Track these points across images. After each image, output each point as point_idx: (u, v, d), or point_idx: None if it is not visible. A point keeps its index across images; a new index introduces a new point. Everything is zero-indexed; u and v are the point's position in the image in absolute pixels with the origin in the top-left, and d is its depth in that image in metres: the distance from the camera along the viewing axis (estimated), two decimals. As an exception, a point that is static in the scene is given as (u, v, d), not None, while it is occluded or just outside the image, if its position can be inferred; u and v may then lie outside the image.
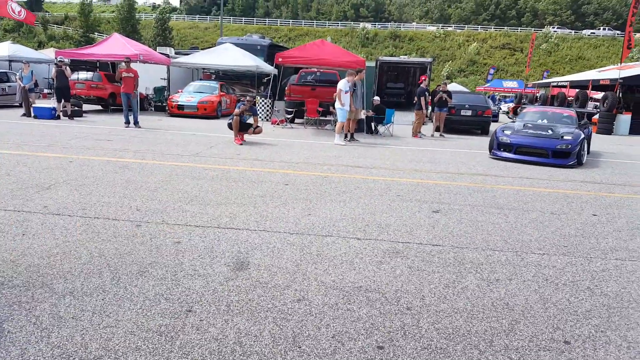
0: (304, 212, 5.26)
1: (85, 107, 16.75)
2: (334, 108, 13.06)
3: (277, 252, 4.03)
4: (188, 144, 10.20)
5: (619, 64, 25.14)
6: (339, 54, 14.96)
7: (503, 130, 10.54)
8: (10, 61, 21.74)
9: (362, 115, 13.93)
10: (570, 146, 9.63)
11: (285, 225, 4.78)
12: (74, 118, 14.51)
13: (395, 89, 26.83)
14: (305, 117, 15.52)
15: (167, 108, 17.73)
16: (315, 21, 76.67)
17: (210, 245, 4.14)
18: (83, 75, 18.13)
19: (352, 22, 73.69)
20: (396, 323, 2.93)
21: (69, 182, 6.10)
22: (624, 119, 20.88)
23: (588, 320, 3.08)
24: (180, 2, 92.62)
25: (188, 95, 17.39)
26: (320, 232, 4.62)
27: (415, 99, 14.52)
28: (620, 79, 21.45)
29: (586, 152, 10.51)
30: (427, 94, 14.61)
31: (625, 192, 7.49)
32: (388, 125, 14.50)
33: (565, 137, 9.86)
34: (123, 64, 13.82)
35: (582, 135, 10.04)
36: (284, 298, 3.21)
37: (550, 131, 10.22)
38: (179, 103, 17.03)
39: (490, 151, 10.68)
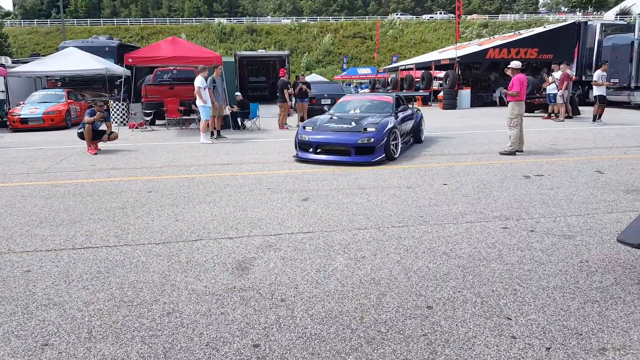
0: (171, 219, 4.95)
1: None
2: (196, 106, 12.56)
3: (142, 266, 3.72)
4: (35, 160, 9.05)
5: (455, 44, 27.95)
6: (193, 51, 14.38)
7: (304, 127, 8.59)
8: None
9: (227, 111, 13.62)
10: (373, 140, 7.77)
11: (149, 235, 4.44)
12: None
13: (257, 83, 26.76)
14: (166, 118, 14.71)
15: (8, 123, 15.56)
16: (167, 18, 73.04)
17: (65, 269, 3.68)
18: None
19: (206, 18, 71.60)
20: (271, 317, 2.87)
21: None
22: (465, 94, 23.25)
23: (446, 283, 3.31)
24: (14, 5, 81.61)
25: (31, 107, 15.44)
26: (189, 237, 4.38)
27: (278, 92, 14.61)
28: (458, 57, 23.85)
29: (408, 142, 9.53)
30: (288, 85, 14.75)
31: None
32: (254, 119, 14.38)
33: (368, 130, 7.95)
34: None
35: (391, 125, 8.16)
36: (152, 314, 2.96)
37: (353, 123, 8.28)
38: (21, 116, 15.05)
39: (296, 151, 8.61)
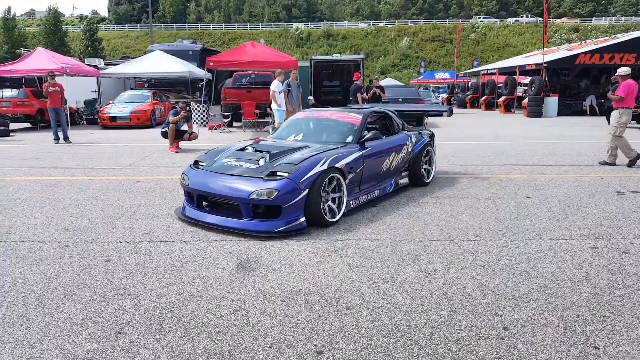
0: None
1: (13, 125, 15.69)
2: (271, 110, 12.87)
3: (213, 262, 3.83)
4: (121, 156, 9.70)
5: (543, 49, 26.51)
6: (270, 56, 14.78)
7: (197, 162, 5.46)
8: None
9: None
10: (277, 194, 4.45)
11: (217, 233, 4.57)
12: (0, 138, 13.54)
13: (331, 87, 26.95)
14: (243, 120, 15.22)
15: (99, 121, 16.89)
16: (248, 24, 75.82)
17: (142, 261, 3.89)
18: (8, 92, 17.00)
19: (284, 23, 73.47)
20: (335, 325, 2.83)
21: (-14, 208, 5.60)
22: (552, 101, 21.98)
23: (526, 303, 3.09)
24: (109, 11, 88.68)
25: (120, 106, 16.64)
26: (258, 236, 4.45)
27: (351, 96, 14.62)
28: (545, 63, 22.60)
29: (393, 185, 6.12)
30: (362, 90, 14.72)
31: (551, 170, 7.79)
32: (326, 123, 14.42)
33: (279, 174, 4.66)
34: (48, 78, 12.99)
35: (326, 165, 4.82)
36: (219, 311, 3.03)
37: (262, 161, 5.00)
38: (110, 114, 16.27)
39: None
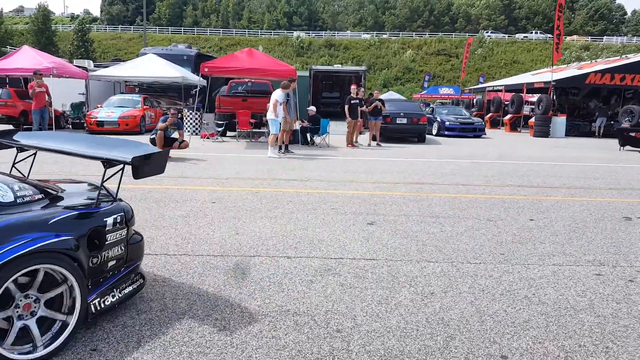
0: (231, 232, 5.06)
1: (-7, 127, 15.66)
2: (266, 119, 12.93)
3: (199, 278, 3.81)
4: (107, 163, 9.67)
5: (552, 66, 26.80)
6: (268, 63, 14.89)
7: None
8: None
9: (297, 125, 13.90)
10: None
11: (208, 247, 4.56)
12: (-22, 139, 13.49)
13: (330, 99, 27.13)
14: (237, 130, 15.26)
15: (85, 125, 16.88)
16: (247, 30, 76.44)
17: (123, 275, 3.85)
18: (-10, 92, 16.97)
19: (285, 31, 74.11)
20: (325, 348, 2.81)
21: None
22: (560, 121, 22.16)
23: (526, 331, 3.08)
24: (101, 11, 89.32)
25: (108, 111, 16.65)
26: (247, 252, 4.45)
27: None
28: (553, 81, 22.82)
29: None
30: (359, 102, 14.79)
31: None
32: (324, 135, 14.54)
33: None
34: (34, 78, 13.00)
35: None
36: (202, 330, 3.00)
37: None
38: (98, 119, 16.26)
39: None
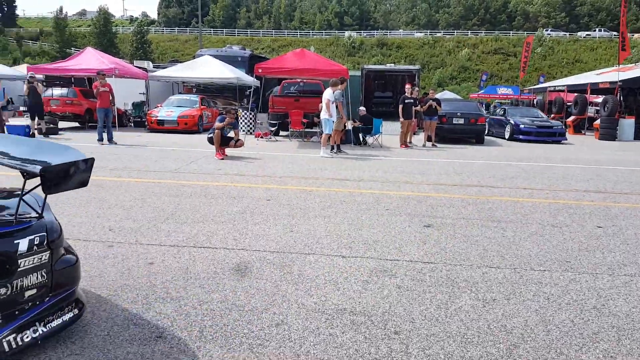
0: (286, 229, 5.14)
1: (61, 124, 16.60)
2: (318, 119, 13.02)
3: (256, 272, 3.90)
4: (166, 160, 10.06)
5: (618, 66, 25.47)
6: (320, 64, 14.99)
7: None
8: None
9: (349, 125, 13.91)
10: None
11: (265, 243, 4.66)
12: (49, 135, 14.42)
13: (383, 98, 26.95)
14: (289, 130, 15.46)
15: (146, 123, 17.59)
16: (298, 31, 77.17)
17: (185, 265, 4.02)
18: (58, 91, 18.01)
19: (336, 31, 74.24)
20: (383, 349, 2.80)
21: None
22: (628, 124, 20.98)
23: (595, 344, 2.96)
24: (158, 14, 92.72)
25: (168, 110, 17.28)
26: (302, 250, 4.50)
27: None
28: (620, 81, 21.67)
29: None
30: (414, 101, 14.61)
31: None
32: (377, 135, 14.47)
33: None
34: (98, 78, 13.70)
35: None
36: (261, 322, 3.08)
37: None
38: (158, 118, 16.90)
39: None
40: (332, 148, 12.07)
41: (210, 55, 20.83)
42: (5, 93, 15.33)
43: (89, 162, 2.75)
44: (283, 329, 3.01)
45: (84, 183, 2.78)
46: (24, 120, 16.30)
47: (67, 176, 2.67)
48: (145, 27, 68.23)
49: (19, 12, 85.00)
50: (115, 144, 12.81)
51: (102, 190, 6.86)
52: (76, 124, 18.34)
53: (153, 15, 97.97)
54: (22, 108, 22.97)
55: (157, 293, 3.50)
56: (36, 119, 14.58)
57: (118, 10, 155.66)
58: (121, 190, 6.88)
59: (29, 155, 2.79)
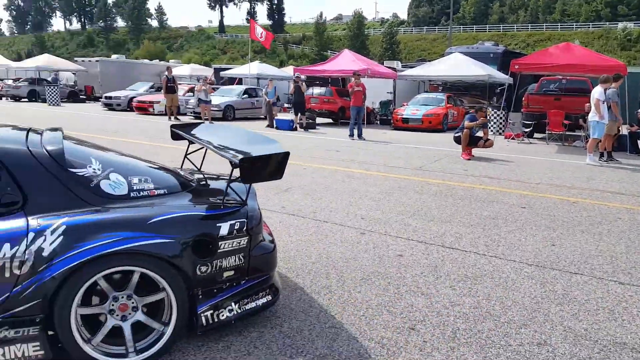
0: (546, 242, 4.69)
1: (318, 120, 18.55)
2: (584, 121, 11.60)
3: (512, 284, 3.65)
4: (411, 157, 10.28)
5: None
6: (590, 58, 13.26)
7: None
8: (258, 78, 25.96)
9: (625, 130, 12.06)
10: None
11: (521, 254, 4.33)
12: (308, 130, 16.26)
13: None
14: (547, 131, 14.14)
15: (392, 121, 18.34)
16: (559, 24, 70.24)
17: (434, 263, 4.04)
18: (317, 90, 20.17)
19: (607, 23, 65.17)
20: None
21: (302, 187, 6.77)
22: None
23: None
24: (408, 14, 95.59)
25: (413, 108, 17.67)
26: (567, 267, 4.04)
27: None
28: None
29: None
30: None
31: None
32: (661, 144, 12.18)
33: None
34: (352, 78, 14.80)
35: None
36: (520, 337, 2.87)
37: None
38: (403, 116, 17.43)
39: None
40: (602, 155, 10.61)
41: (460, 52, 20.52)
42: (275, 91, 17.84)
43: (284, 156, 2.85)
44: (546, 349, 2.75)
45: (278, 175, 2.88)
46: (289, 115, 18.62)
47: (263, 167, 2.82)
48: (395, 28, 71.22)
49: (286, 19, 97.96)
50: (364, 139, 13.65)
51: (352, 181, 7.38)
52: (330, 120, 20.20)
53: (403, 16, 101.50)
54: (286, 105, 26.43)
55: (407, 285, 3.59)
56: (299, 114, 16.54)
57: (370, 13, 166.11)
58: (369, 183, 7.28)
59: (238, 146, 3.00)
